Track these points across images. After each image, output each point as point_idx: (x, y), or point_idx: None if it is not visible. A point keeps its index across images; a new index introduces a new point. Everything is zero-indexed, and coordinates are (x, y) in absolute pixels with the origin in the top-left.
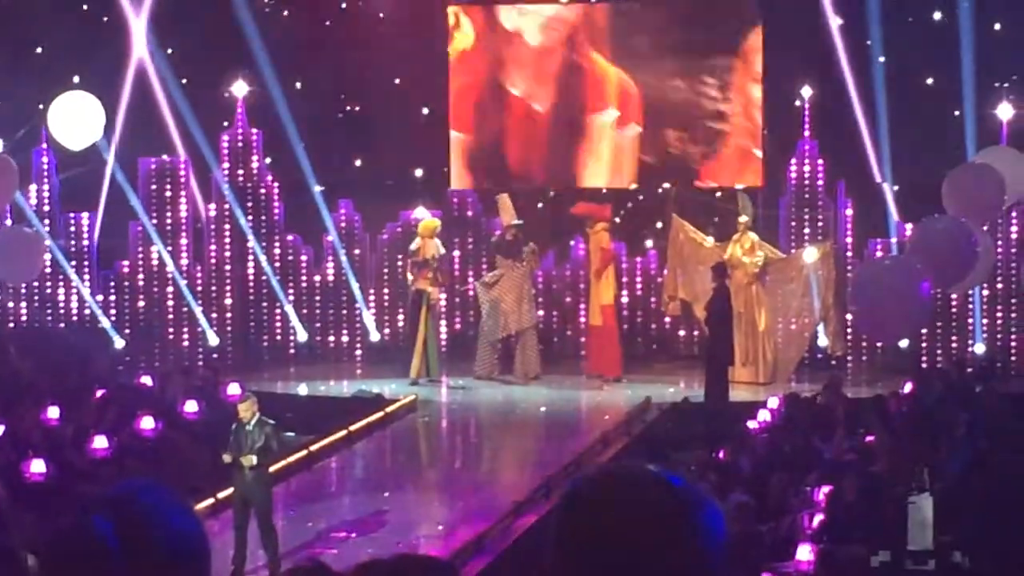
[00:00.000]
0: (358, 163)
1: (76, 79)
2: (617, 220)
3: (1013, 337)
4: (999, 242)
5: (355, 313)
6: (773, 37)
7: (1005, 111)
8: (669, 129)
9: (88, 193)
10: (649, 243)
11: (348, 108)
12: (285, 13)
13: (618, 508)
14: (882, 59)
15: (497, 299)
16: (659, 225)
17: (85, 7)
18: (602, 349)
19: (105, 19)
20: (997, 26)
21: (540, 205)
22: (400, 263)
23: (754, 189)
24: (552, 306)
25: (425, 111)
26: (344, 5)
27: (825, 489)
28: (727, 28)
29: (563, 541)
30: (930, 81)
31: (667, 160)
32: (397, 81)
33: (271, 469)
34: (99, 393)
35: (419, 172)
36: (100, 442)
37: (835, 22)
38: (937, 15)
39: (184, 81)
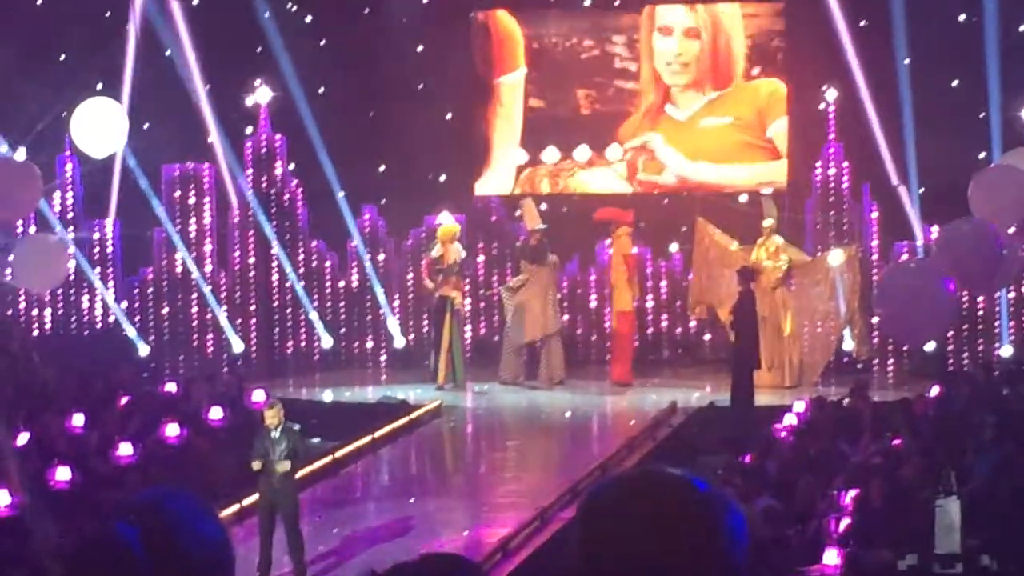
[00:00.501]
0: (382, 168)
1: (99, 86)
2: (642, 224)
3: None
4: None
5: (380, 319)
6: (796, 40)
7: None
8: (579, 89)
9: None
10: (674, 247)
11: (371, 113)
12: (308, 19)
13: (641, 511)
14: (907, 61)
15: (522, 304)
16: (684, 229)
17: (108, 13)
18: (615, 353)
19: (128, 26)
20: (1022, 28)
21: (565, 209)
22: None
23: (779, 192)
24: (577, 311)
25: (449, 116)
26: (367, 10)
27: (852, 493)
28: None
29: (587, 544)
30: (955, 83)
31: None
32: (420, 86)
33: (297, 475)
34: (124, 400)
35: (443, 177)
36: (125, 449)
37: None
38: (962, 17)
39: (208, 87)
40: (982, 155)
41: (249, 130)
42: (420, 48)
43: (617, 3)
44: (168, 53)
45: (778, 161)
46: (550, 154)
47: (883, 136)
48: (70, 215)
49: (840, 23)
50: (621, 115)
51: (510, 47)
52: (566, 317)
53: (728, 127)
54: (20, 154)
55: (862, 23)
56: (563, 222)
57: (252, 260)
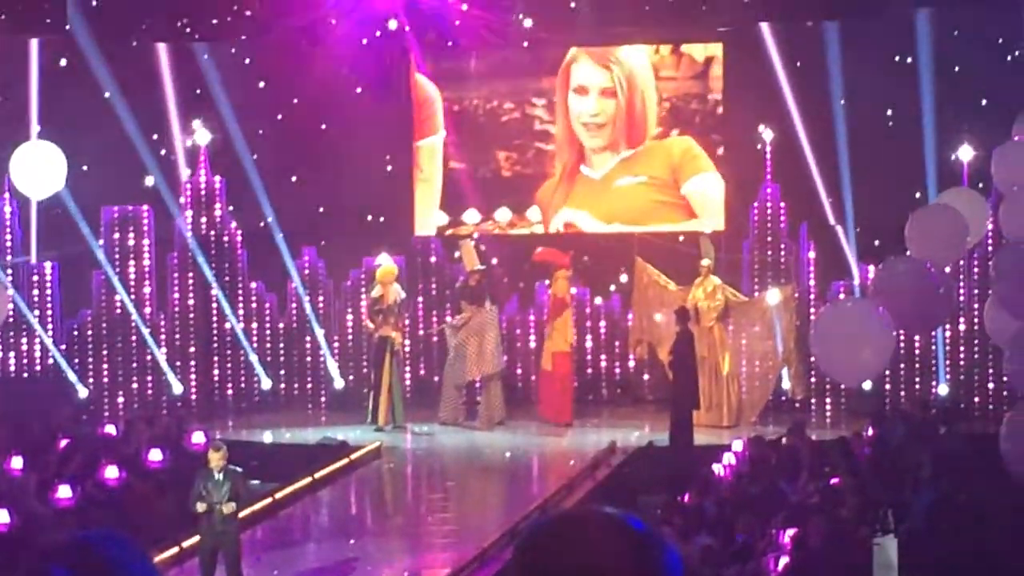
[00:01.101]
0: (321, 210)
1: (38, 128)
2: (586, 259)
3: (976, 377)
4: (961, 283)
5: (319, 360)
6: (733, 80)
7: (966, 152)
8: (500, 151)
9: (51, 242)
10: (613, 287)
11: (311, 155)
12: (247, 61)
13: (577, 551)
14: (842, 101)
15: (462, 344)
16: (622, 270)
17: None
18: (553, 395)
19: (64, 63)
20: (956, 68)
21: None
22: (363, 309)
23: (716, 232)
24: (516, 352)
25: (388, 159)
26: (307, 54)
27: (790, 532)
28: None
29: None
30: (891, 123)
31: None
32: (360, 129)
33: (239, 517)
34: (63, 442)
35: (382, 219)
36: (64, 492)
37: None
38: (897, 57)
39: (147, 129)
40: (918, 195)
41: (188, 172)
42: (358, 90)
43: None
44: (107, 95)
45: (693, 220)
46: (471, 216)
47: (820, 176)
48: (8, 257)
49: (776, 63)
50: (541, 176)
51: (428, 110)
52: (505, 358)
53: (642, 186)
54: None
55: (798, 63)
56: (502, 263)
57: (192, 302)
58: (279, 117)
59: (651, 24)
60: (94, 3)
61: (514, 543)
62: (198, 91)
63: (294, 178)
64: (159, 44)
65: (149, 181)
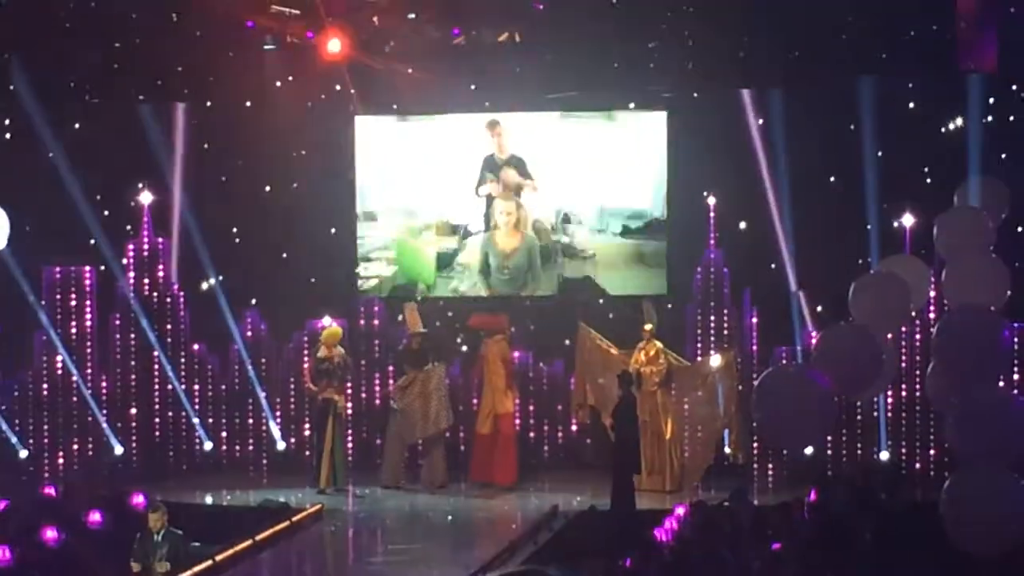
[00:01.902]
0: (264, 272)
1: None
2: (531, 327)
3: (917, 444)
4: (903, 349)
5: (261, 422)
6: (678, 146)
7: (908, 220)
8: None
9: None
10: (557, 352)
11: (255, 216)
12: (194, 122)
13: None
14: (785, 166)
15: (409, 406)
16: (567, 340)
17: None
18: (498, 456)
19: (8, 123)
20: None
21: (450, 314)
22: (309, 368)
23: (660, 297)
24: (458, 415)
25: (332, 229)
26: (249, 110)
27: None
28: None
29: None
30: (835, 190)
31: None
32: (304, 191)
33: None
34: (1, 504)
35: (320, 280)
36: (2, 554)
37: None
38: (841, 127)
39: (90, 189)
40: (861, 261)
41: (131, 232)
42: (303, 152)
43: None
44: (51, 155)
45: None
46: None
47: (765, 241)
48: None
49: (719, 129)
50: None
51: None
52: (452, 416)
53: None
54: None
55: (740, 131)
56: (445, 325)
57: (133, 363)
58: (223, 179)
59: (598, 88)
60: (38, 67)
61: None
62: (143, 151)
63: (238, 240)
64: (102, 102)
65: (92, 241)
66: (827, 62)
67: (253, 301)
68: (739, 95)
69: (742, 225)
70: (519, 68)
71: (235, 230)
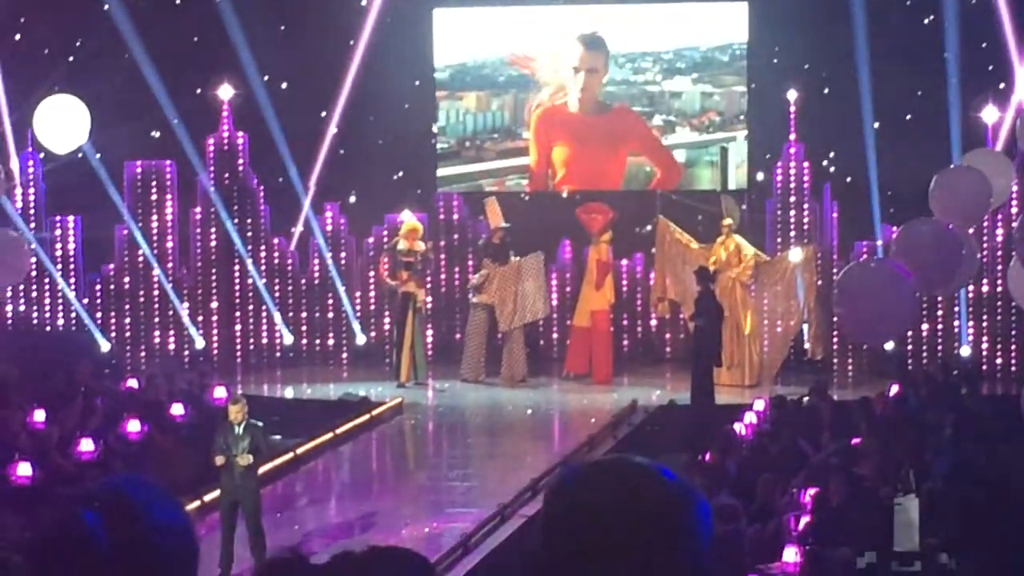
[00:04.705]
0: (344, 166)
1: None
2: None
3: (998, 339)
4: (984, 244)
5: (341, 316)
6: (759, 39)
7: (990, 114)
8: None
9: (74, 196)
10: (636, 245)
11: (325, 112)
12: (273, 13)
13: (608, 498)
14: (867, 62)
15: (487, 301)
16: (648, 228)
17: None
18: (591, 353)
19: (89, 19)
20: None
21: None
22: (386, 263)
23: (739, 191)
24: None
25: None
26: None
27: (811, 491)
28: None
29: (550, 528)
30: (916, 83)
31: None
32: (383, 86)
33: (259, 471)
34: (85, 397)
35: (401, 173)
36: (86, 445)
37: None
38: (924, 19)
39: (170, 83)
40: (943, 156)
41: (211, 126)
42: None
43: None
44: (131, 50)
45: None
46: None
47: (845, 136)
48: (31, 212)
49: (804, 23)
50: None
51: None
52: (553, 303)
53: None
54: None
55: (824, 23)
56: (527, 220)
57: (214, 257)
58: (301, 72)
59: None
60: None
61: (545, 489)
62: (222, 46)
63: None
64: None
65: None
66: None
67: (333, 195)
68: None
69: (759, 176)
70: None
71: (313, 123)
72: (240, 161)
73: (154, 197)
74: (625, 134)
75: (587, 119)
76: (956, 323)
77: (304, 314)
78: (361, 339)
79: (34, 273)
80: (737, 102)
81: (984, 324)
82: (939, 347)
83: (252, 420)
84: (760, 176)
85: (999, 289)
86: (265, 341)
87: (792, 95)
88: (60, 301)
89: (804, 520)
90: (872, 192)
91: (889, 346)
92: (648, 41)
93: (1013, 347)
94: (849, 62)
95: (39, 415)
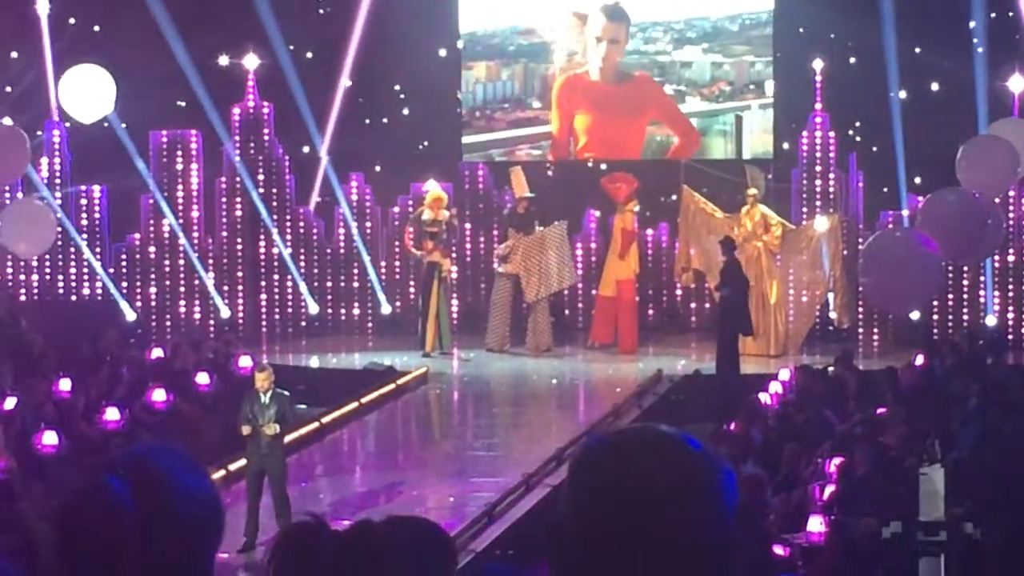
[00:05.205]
0: (369, 136)
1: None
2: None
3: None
4: (1011, 214)
5: (367, 285)
6: (785, 7)
7: (1017, 83)
8: None
9: (100, 166)
10: (660, 215)
11: (359, 80)
12: None
13: (633, 466)
14: (893, 32)
15: (512, 271)
16: (674, 197)
17: None
18: (620, 321)
19: None
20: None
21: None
22: (411, 233)
23: (765, 161)
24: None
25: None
26: None
27: (836, 461)
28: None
29: (576, 497)
30: (943, 54)
31: None
32: (409, 53)
33: (285, 440)
34: (110, 365)
35: (426, 143)
36: (112, 414)
37: None
38: None
39: (195, 53)
40: (969, 125)
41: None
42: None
43: None
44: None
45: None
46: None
47: (867, 105)
48: (57, 180)
49: None
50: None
51: None
52: (579, 272)
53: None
54: (6, 119)
55: None
56: (552, 189)
57: (239, 227)
58: (328, 43)
59: None
60: None
61: (571, 456)
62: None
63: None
64: None
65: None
66: None
67: (358, 165)
68: None
69: (785, 145)
70: None
71: (339, 95)
72: (266, 131)
73: (179, 166)
74: (646, 103)
75: (608, 87)
76: (982, 293)
77: (329, 283)
78: (386, 308)
79: (60, 243)
80: (747, 72)
81: (1010, 293)
82: (965, 317)
83: (279, 389)
84: (785, 145)
85: None
86: (290, 311)
87: (818, 64)
88: (86, 270)
89: (829, 490)
90: (898, 161)
91: (915, 316)
92: (659, 11)
93: None
94: (875, 31)
95: (65, 384)
